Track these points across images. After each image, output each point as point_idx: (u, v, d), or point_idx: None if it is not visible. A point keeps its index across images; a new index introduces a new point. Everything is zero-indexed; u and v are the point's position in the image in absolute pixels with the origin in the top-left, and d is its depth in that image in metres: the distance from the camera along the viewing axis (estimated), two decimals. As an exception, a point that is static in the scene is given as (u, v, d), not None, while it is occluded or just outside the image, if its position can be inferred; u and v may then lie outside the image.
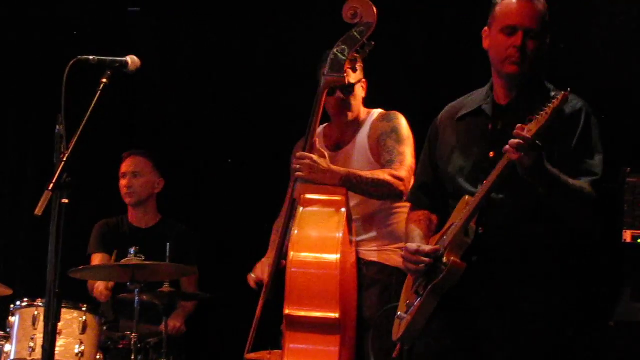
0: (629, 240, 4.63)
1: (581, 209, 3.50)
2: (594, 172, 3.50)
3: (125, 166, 6.02)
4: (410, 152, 4.54)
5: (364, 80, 4.69)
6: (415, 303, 3.63)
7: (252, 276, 4.72)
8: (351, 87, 4.61)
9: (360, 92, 4.68)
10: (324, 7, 5.79)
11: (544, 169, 3.34)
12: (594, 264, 3.59)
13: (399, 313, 3.75)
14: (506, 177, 3.40)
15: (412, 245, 3.65)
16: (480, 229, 3.50)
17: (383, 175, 4.44)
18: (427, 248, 3.61)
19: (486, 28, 3.66)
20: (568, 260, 3.59)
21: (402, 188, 4.43)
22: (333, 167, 4.43)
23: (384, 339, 4.22)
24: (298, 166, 4.41)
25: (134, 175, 5.99)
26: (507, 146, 3.29)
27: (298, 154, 4.46)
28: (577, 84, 4.68)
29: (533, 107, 3.34)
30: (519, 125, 3.28)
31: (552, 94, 3.51)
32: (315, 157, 4.41)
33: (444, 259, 3.51)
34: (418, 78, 5.99)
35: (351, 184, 4.41)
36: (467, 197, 3.56)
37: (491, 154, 3.54)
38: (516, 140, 3.27)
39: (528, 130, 3.25)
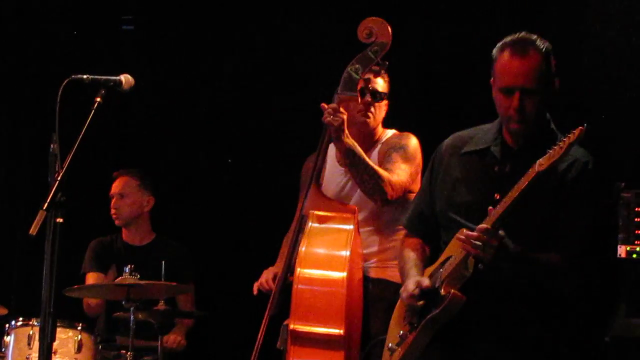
0: (623, 255, 4.62)
1: (549, 282, 3.46)
2: (574, 248, 3.41)
3: (113, 187, 6.05)
4: (409, 171, 4.52)
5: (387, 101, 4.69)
6: (409, 335, 3.56)
7: (257, 284, 4.70)
8: (384, 95, 4.62)
9: (384, 106, 4.67)
10: (322, 9, 5.80)
11: (505, 257, 3.30)
12: (589, 279, 3.56)
13: (389, 345, 3.67)
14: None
15: (409, 286, 3.57)
16: (480, 265, 3.39)
17: (381, 171, 4.43)
18: (425, 283, 3.54)
19: (492, 79, 3.56)
20: (567, 293, 3.56)
21: (389, 191, 4.41)
22: (349, 135, 4.38)
23: None
24: (331, 117, 4.33)
25: (120, 197, 6.01)
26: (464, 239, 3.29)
27: (331, 106, 4.36)
28: (571, 99, 4.68)
29: (542, 150, 3.27)
30: (482, 226, 3.26)
31: (559, 136, 3.45)
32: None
33: (442, 291, 3.44)
34: (434, 100, 5.94)
35: (353, 157, 4.37)
36: (465, 230, 3.42)
37: (497, 196, 3.44)
38: (475, 234, 3.26)
39: (540, 164, 3.19)
